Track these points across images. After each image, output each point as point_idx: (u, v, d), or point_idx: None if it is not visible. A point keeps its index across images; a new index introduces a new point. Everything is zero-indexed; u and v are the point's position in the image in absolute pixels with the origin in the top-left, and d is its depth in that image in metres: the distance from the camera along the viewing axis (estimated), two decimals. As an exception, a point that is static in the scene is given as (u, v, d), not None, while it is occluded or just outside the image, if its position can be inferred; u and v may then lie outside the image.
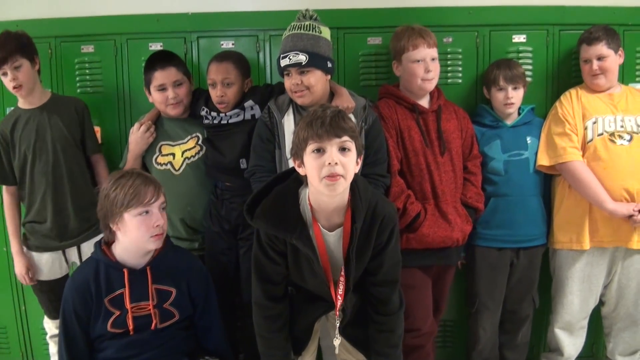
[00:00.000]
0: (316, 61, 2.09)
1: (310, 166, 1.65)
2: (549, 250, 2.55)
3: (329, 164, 1.61)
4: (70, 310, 1.90)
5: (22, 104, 2.41)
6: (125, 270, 1.91)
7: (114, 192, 1.87)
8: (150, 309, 1.92)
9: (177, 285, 1.98)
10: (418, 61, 2.27)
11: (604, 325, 2.60)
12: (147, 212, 1.88)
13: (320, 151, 1.63)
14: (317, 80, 2.12)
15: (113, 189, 1.87)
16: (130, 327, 1.90)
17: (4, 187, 2.47)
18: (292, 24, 2.16)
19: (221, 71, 2.31)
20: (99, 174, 2.49)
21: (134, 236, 1.89)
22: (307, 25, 2.12)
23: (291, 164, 2.09)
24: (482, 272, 2.47)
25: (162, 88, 2.36)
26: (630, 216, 2.28)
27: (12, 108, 2.46)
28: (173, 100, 2.36)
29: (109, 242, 1.98)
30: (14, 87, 2.30)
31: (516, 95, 2.43)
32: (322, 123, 1.62)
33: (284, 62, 2.11)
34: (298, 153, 1.69)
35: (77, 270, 2.04)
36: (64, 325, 1.92)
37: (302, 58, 2.08)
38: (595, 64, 2.39)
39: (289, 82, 2.14)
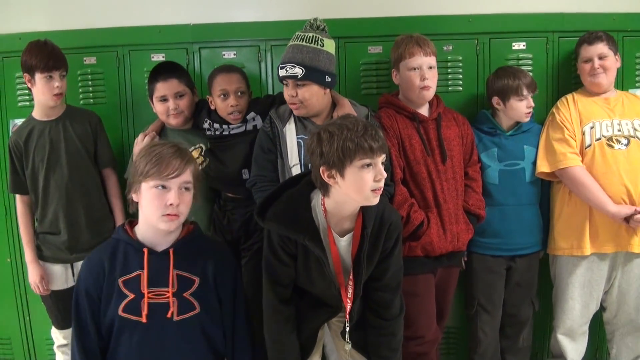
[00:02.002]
0: (312, 75, 2.07)
1: (358, 179, 1.65)
2: (549, 256, 2.56)
3: (379, 179, 1.66)
4: (81, 290, 1.75)
5: (38, 115, 2.41)
6: (145, 250, 1.75)
7: (142, 159, 1.73)
8: (169, 296, 1.73)
9: (201, 274, 1.79)
10: (414, 69, 2.27)
11: (606, 331, 2.61)
12: (163, 186, 1.71)
13: (370, 166, 1.65)
14: (312, 94, 2.10)
15: (142, 155, 1.75)
16: (144, 313, 1.70)
17: (17, 196, 2.46)
18: (297, 33, 2.13)
19: (234, 81, 2.31)
20: (109, 190, 2.49)
21: (146, 211, 1.75)
22: (309, 37, 2.09)
23: (294, 172, 2.12)
24: (479, 275, 2.49)
25: (163, 99, 2.36)
26: (632, 216, 2.28)
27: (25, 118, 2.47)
28: (174, 111, 2.37)
29: (132, 223, 1.85)
30: (56, 94, 2.32)
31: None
32: (372, 138, 1.63)
33: (281, 73, 2.11)
34: (337, 165, 1.65)
35: (94, 250, 1.87)
36: (75, 308, 1.75)
37: (298, 71, 2.06)
38: (597, 62, 2.41)
39: (286, 93, 2.15)
